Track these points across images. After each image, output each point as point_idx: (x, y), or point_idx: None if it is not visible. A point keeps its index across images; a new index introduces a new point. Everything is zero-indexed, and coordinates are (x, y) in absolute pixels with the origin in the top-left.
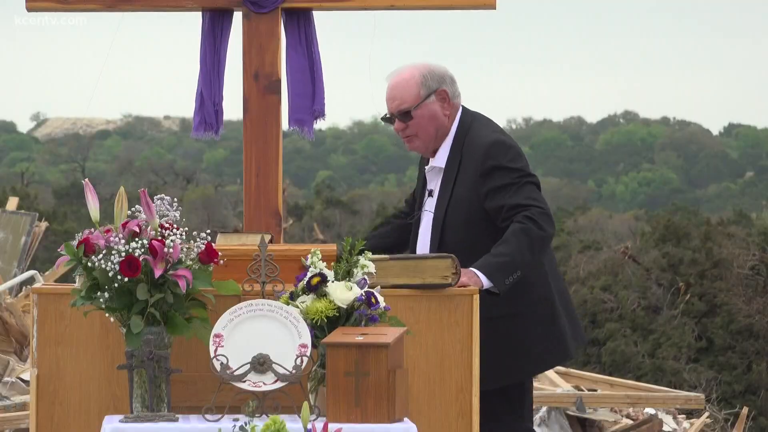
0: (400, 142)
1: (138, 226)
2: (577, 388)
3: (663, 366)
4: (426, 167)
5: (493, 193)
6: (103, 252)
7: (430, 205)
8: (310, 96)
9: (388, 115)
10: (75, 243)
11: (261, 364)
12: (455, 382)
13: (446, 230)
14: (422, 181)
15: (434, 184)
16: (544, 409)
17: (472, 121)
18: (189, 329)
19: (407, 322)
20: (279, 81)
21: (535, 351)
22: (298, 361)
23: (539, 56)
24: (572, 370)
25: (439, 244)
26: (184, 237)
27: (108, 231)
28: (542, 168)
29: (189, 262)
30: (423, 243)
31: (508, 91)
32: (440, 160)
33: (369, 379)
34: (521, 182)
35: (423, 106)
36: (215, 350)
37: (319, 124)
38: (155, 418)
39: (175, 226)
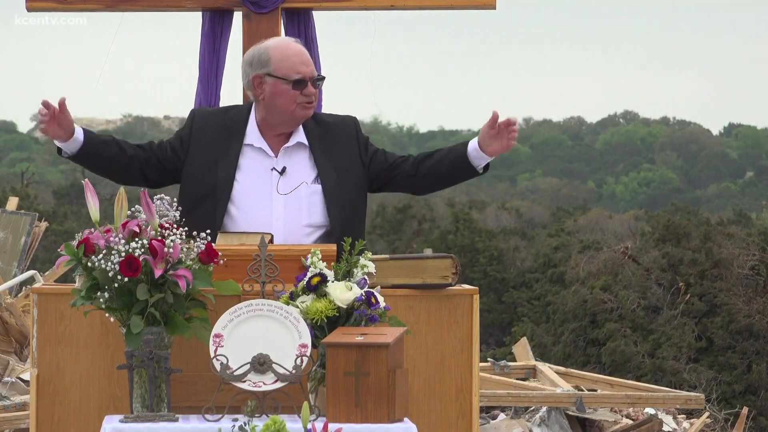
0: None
1: (138, 226)
2: (577, 388)
3: (663, 366)
4: (284, 146)
5: (381, 152)
6: (103, 252)
7: (293, 182)
8: None
9: (298, 77)
10: (75, 243)
11: (261, 364)
12: (455, 382)
13: (342, 203)
14: (231, 159)
15: (285, 160)
16: (544, 409)
17: None
18: (189, 329)
19: (407, 322)
20: None
21: None
22: (298, 361)
23: (539, 56)
24: (572, 370)
25: (332, 216)
26: (184, 237)
27: (108, 231)
28: (542, 168)
29: (189, 262)
30: (297, 220)
31: (508, 91)
32: (300, 137)
33: (369, 379)
34: None
35: None
36: (215, 350)
37: None
38: (155, 418)
39: (175, 226)
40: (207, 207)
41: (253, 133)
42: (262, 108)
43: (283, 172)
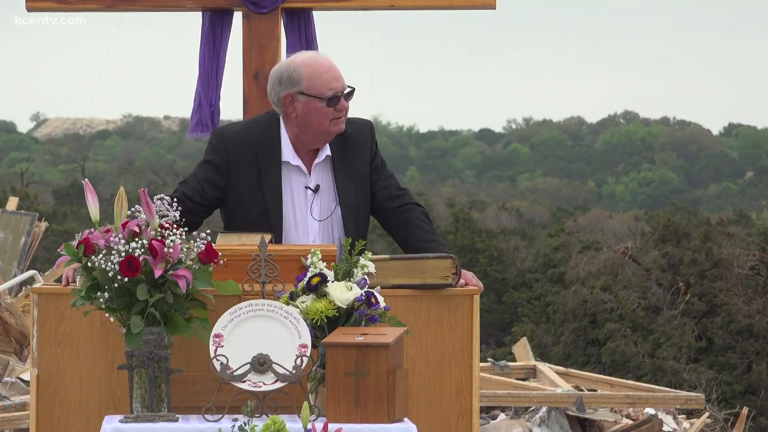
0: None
1: (138, 226)
2: (577, 388)
3: (663, 366)
4: (314, 162)
5: (385, 170)
6: (103, 252)
7: (327, 201)
8: None
9: (332, 94)
10: (75, 243)
11: (261, 364)
12: (455, 382)
13: (359, 215)
14: (274, 180)
15: (317, 176)
16: (544, 409)
17: None
18: (189, 329)
19: (407, 322)
20: None
21: None
22: (298, 361)
23: (539, 56)
24: (572, 370)
25: (347, 230)
26: (184, 237)
27: (108, 231)
28: (542, 168)
29: (189, 262)
30: (329, 241)
31: (508, 91)
32: (326, 150)
33: (369, 379)
34: None
35: None
36: (215, 350)
37: None
38: (155, 418)
39: (175, 226)
40: (262, 229)
41: (288, 150)
42: (294, 125)
43: (316, 190)
